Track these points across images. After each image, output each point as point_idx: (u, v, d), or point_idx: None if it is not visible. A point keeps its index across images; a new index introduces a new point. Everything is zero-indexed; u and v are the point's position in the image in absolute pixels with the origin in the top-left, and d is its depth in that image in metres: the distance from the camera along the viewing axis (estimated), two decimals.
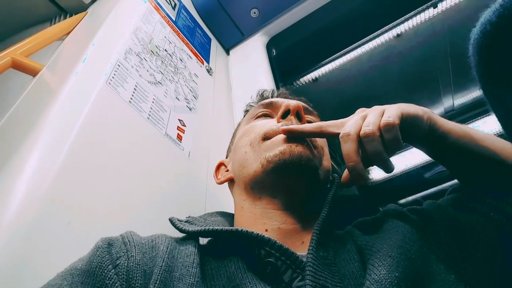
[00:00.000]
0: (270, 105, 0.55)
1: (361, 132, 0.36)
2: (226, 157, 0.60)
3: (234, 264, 0.36)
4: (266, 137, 0.46)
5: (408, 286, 0.30)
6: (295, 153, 0.42)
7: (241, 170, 0.47)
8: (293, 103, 0.48)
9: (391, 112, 0.36)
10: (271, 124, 0.48)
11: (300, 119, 0.48)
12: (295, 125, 0.44)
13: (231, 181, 0.52)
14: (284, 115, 0.48)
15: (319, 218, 0.40)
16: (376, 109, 0.38)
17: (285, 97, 0.58)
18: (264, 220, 0.42)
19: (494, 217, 0.36)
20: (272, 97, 0.59)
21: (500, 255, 0.34)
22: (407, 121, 0.36)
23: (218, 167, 0.57)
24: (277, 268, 0.35)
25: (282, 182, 0.43)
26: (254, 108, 0.56)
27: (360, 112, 0.40)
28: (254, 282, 0.33)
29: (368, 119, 0.37)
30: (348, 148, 0.36)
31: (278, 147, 0.43)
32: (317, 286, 0.32)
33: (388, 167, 0.36)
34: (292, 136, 0.43)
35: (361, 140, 0.36)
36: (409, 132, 0.38)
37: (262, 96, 0.61)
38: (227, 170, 0.54)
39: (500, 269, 0.34)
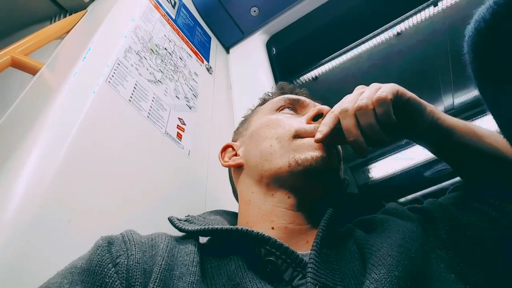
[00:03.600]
0: (297, 102, 0.54)
1: (355, 106, 0.37)
2: (234, 140, 0.58)
3: (235, 263, 0.36)
4: (297, 136, 0.45)
5: (408, 285, 0.30)
6: (327, 163, 0.42)
7: (262, 162, 0.46)
8: (326, 108, 0.48)
9: (385, 88, 0.37)
10: (301, 122, 0.47)
11: None
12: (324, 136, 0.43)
13: (237, 168, 0.51)
14: (315, 118, 0.48)
15: (324, 217, 0.40)
16: (373, 85, 0.39)
17: (307, 97, 0.58)
18: (272, 217, 0.42)
19: (496, 217, 0.36)
20: (292, 93, 0.59)
21: (501, 256, 0.34)
22: (401, 101, 0.37)
23: (225, 148, 0.55)
24: (277, 267, 0.35)
25: (303, 184, 0.43)
26: (278, 100, 0.55)
27: (359, 89, 0.41)
28: (254, 281, 0.33)
29: (364, 94, 0.38)
30: (347, 123, 0.38)
31: (310, 152, 0.42)
32: (318, 284, 0.32)
33: (381, 140, 0.37)
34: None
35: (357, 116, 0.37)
36: (411, 119, 0.38)
37: (282, 89, 0.61)
38: (235, 154, 0.53)
39: (500, 270, 0.34)
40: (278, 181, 0.44)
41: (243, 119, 0.62)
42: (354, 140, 0.37)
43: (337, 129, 0.40)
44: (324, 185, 0.44)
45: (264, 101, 0.60)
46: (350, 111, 0.37)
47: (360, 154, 0.38)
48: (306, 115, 0.49)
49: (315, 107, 0.50)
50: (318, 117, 0.48)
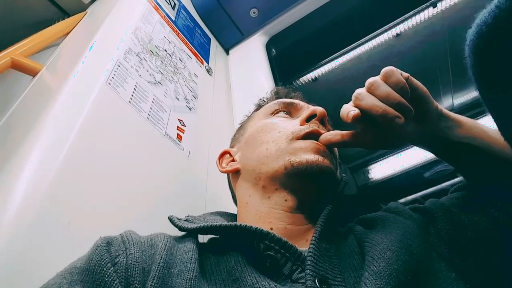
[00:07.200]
0: (291, 105, 0.55)
1: (367, 85, 0.36)
2: (232, 147, 0.59)
3: (234, 258, 0.36)
4: (292, 139, 0.45)
5: (408, 279, 0.31)
6: (321, 165, 0.42)
7: (258, 165, 0.46)
8: (319, 109, 0.48)
9: (385, 67, 0.37)
10: (296, 125, 0.47)
11: (323, 125, 0.48)
12: (328, 139, 0.43)
13: (235, 173, 0.52)
14: (308, 119, 0.48)
15: (322, 213, 0.41)
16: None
17: (301, 100, 0.58)
18: (270, 219, 0.42)
19: (498, 217, 0.36)
20: (286, 96, 0.59)
21: (502, 256, 0.34)
22: (403, 75, 0.36)
23: (222, 155, 0.56)
24: (276, 261, 0.35)
25: (299, 186, 0.43)
26: (273, 104, 0.56)
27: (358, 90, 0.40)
28: (254, 275, 0.33)
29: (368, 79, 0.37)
30: (367, 101, 0.35)
31: (306, 155, 0.42)
32: (317, 277, 0.32)
33: (407, 108, 0.34)
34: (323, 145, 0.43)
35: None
36: (420, 107, 0.37)
37: (277, 94, 0.61)
38: (233, 160, 0.53)
39: (502, 270, 0.34)
40: (274, 183, 0.44)
41: (239, 125, 0.62)
42: (384, 112, 0.34)
43: (356, 133, 0.40)
44: (320, 187, 0.44)
45: (259, 107, 0.61)
46: (363, 92, 0.36)
47: (397, 127, 0.34)
48: (300, 117, 0.49)
49: (308, 109, 0.50)
50: (311, 118, 0.48)
